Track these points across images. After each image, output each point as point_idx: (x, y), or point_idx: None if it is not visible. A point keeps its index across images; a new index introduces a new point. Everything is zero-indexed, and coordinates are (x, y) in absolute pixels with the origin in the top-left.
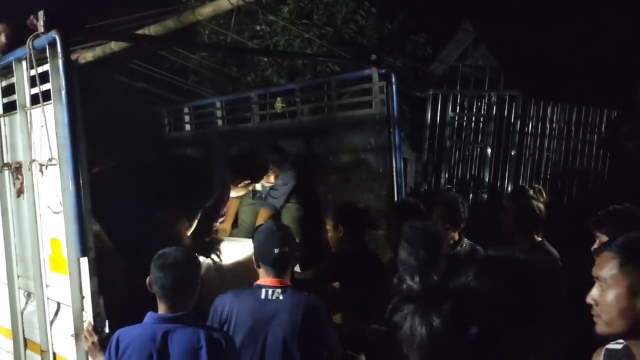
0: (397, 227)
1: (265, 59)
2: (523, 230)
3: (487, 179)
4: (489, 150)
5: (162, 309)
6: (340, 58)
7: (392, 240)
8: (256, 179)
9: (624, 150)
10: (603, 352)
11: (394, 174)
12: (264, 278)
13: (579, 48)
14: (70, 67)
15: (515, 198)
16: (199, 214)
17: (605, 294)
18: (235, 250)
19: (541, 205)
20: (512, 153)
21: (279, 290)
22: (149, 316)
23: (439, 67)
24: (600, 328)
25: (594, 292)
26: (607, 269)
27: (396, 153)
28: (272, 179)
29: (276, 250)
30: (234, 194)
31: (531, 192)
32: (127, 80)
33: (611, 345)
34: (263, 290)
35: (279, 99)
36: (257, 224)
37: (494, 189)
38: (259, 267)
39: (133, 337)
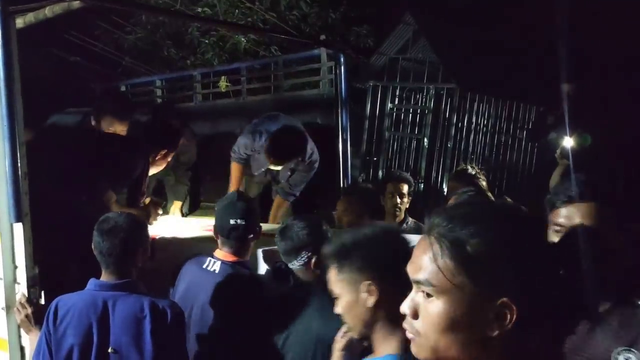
0: None
1: (207, 41)
2: None
3: (423, 170)
4: (425, 142)
5: (104, 276)
6: (289, 36)
7: None
8: (173, 148)
9: (548, 144)
10: None
11: (340, 154)
12: (217, 249)
13: (516, 43)
14: (8, 19)
15: (462, 177)
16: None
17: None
18: None
19: (485, 184)
20: (449, 145)
21: (219, 262)
22: (90, 283)
23: (379, 59)
24: (420, 351)
25: (416, 298)
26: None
27: (344, 134)
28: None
29: (232, 222)
30: (154, 169)
31: (473, 172)
32: (60, 52)
33: None
34: (207, 260)
35: (223, 77)
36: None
37: (429, 180)
38: (217, 237)
39: (72, 304)
